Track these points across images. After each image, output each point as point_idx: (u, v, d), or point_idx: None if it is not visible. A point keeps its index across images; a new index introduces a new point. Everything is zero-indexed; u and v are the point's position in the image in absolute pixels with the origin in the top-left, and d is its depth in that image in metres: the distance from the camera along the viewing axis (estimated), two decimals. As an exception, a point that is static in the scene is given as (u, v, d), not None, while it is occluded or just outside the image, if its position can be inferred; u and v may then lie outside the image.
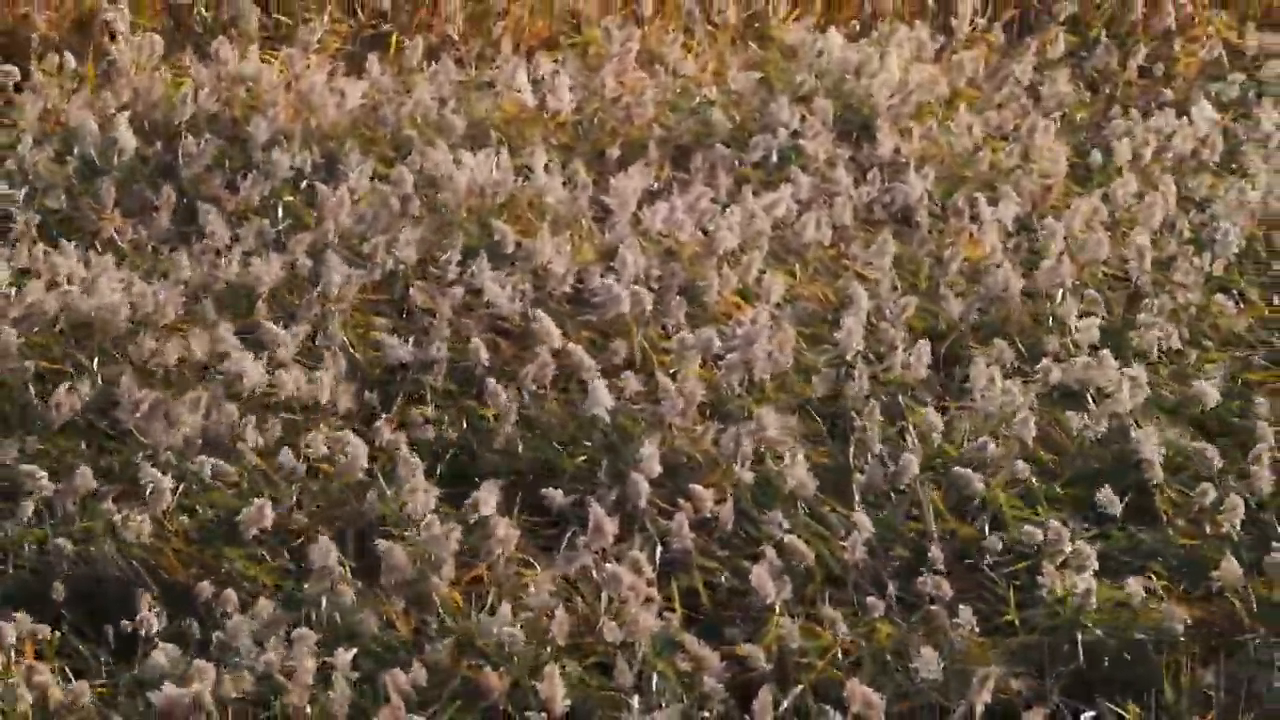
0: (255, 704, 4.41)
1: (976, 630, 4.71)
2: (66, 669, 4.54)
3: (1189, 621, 4.71)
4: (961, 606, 4.71)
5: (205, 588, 4.68)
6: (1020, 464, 5.26)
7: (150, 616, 4.60)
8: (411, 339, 5.68)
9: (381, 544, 4.79)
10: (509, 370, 5.58)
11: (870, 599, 4.78)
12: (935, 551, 4.89)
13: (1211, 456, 5.25)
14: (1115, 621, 4.77)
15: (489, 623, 4.61)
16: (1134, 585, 4.82)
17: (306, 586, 4.71)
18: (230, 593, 4.64)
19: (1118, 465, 5.33)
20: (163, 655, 4.47)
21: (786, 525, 5.00)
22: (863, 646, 4.69)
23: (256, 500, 4.90)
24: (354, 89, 7.19)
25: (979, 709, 4.45)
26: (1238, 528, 5.01)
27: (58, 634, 4.63)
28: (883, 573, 4.94)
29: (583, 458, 5.31)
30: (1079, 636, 4.72)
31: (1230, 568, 4.81)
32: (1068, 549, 4.88)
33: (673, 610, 4.75)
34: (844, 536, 4.97)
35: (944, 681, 4.55)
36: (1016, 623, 4.81)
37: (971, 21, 8.31)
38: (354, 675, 4.43)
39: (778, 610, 4.74)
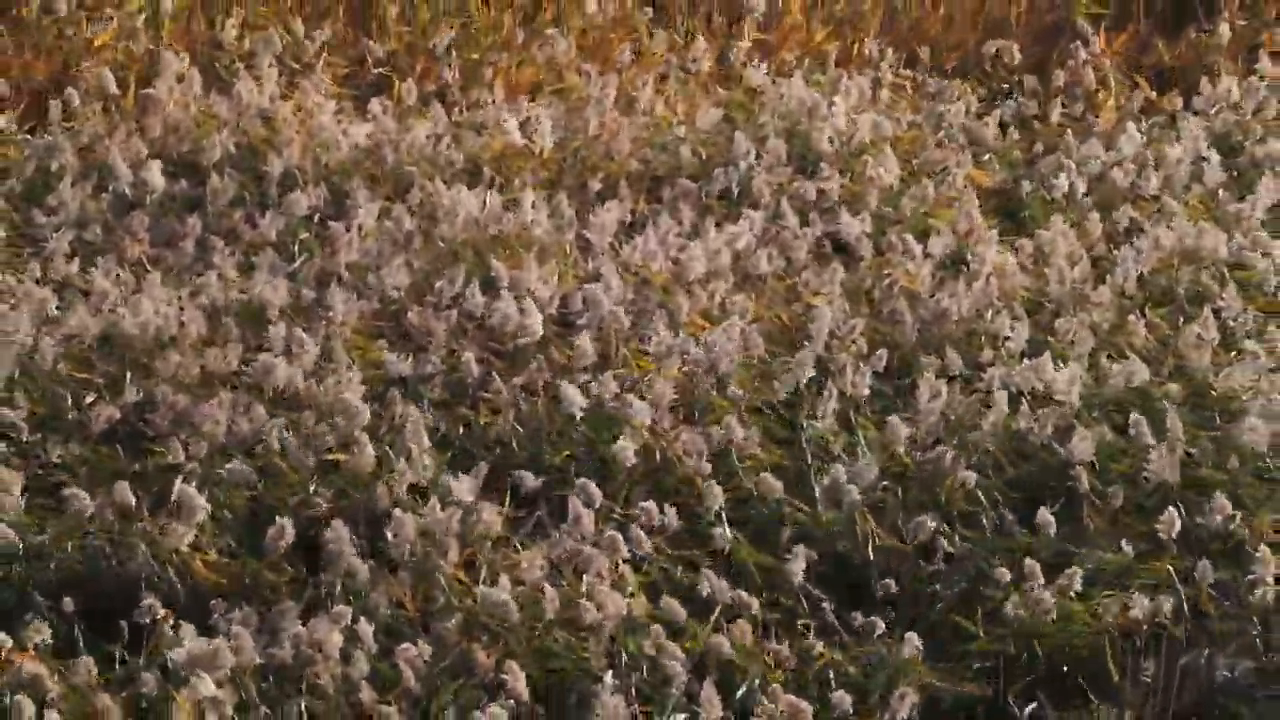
0: (285, 678, 4.62)
1: (920, 650, 4.86)
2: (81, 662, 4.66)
3: (1120, 630, 4.95)
4: (908, 635, 4.86)
5: (226, 583, 4.96)
6: (968, 473, 5.45)
7: (158, 609, 4.76)
8: (410, 356, 5.89)
9: (395, 515, 4.96)
10: (501, 379, 5.78)
11: (816, 611, 4.98)
12: (883, 580, 5.11)
13: (1143, 431, 5.52)
14: (1056, 626, 4.98)
15: (490, 593, 4.77)
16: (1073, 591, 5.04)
17: (324, 573, 4.91)
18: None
19: (1057, 470, 5.56)
20: (186, 638, 4.63)
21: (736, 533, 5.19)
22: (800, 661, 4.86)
23: (279, 519, 5.05)
24: (359, 129, 7.53)
25: (902, 715, 4.66)
26: (1178, 562, 5.18)
27: (80, 628, 4.82)
28: (826, 593, 5.09)
29: (566, 453, 5.54)
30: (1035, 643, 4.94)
31: (1158, 604, 5.01)
32: (1010, 560, 5.08)
33: (633, 596, 4.90)
34: (789, 548, 5.12)
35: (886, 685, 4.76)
36: (972, 626, 5.00)
37: (897, 70, 8.66)
38: (374, 649, 4.65)
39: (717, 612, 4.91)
